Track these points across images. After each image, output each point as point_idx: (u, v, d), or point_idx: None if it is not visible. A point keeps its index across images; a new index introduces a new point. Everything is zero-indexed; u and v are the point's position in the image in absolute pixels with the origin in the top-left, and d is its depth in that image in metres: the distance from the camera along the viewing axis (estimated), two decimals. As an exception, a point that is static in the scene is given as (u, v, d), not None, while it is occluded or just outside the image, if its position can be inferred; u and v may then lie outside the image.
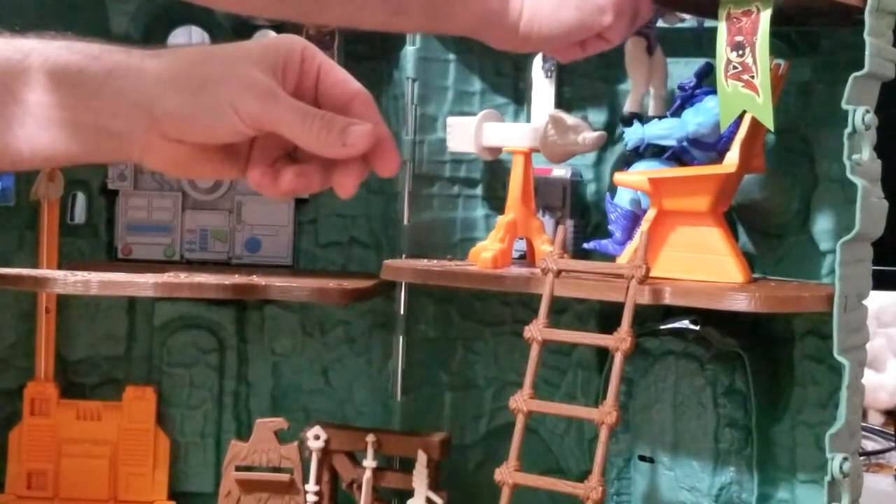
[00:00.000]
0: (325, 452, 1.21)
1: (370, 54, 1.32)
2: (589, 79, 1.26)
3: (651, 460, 1.19)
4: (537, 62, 1.27)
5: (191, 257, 1.35)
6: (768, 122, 1.00)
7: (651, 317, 1.18)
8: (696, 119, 1.09)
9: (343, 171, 0.78)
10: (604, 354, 1.14)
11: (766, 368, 1.16)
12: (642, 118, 1.15)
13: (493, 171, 1.29)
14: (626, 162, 1.16)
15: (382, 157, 0.79)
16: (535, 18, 1.02)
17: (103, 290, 1.17)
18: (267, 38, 0.80)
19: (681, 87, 1.12)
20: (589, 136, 1.14)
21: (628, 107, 1.17)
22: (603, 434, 0.99)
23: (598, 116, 1.25)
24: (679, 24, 1.18)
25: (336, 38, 1.28)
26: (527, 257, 1.21)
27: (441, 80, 1.27)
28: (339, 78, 0.80)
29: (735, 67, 1.00)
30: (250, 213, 1.35)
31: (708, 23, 1.13)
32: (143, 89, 0.76)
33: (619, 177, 1.13)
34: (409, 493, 1.17)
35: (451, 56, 1.27)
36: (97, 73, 0.76)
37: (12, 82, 0.76)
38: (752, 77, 0.99)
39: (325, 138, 0.76)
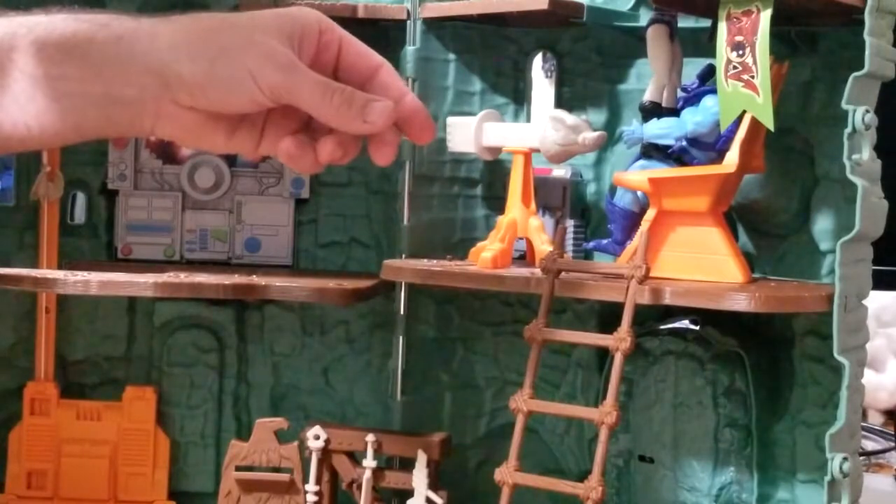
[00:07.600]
0: (325, 452, 1.21)
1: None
2: (589, 79, 1.26)
3: (651, 460, 1.19)
4: (537, 62, 1.27)
5: (191, 257, 1.35)
6: (768, 122, 1.00)
7: (651, 317, 1.18)
8: (694, 118, 1.09)
9: (377, 141, 0.77)
10: (604, 354, 1.14)
11: (766, 368, 1.16)
12: (662, 108, 1.13)
13: (493, 171, 1.29)
14: (639, 156, 1.15)
15: (414, 126, 0.78)
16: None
17: (103, 290, 1.17)
18: (284, 8, 0.79)
19: (683, 89, 1.12)
20: (589, 136, 1.14)
21: (648, 96, 1.13)
22: (603, 434, 0.99)
23: (598, 116, 1.24)
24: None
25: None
26: (527, 257, 1.21)
27: (441, 80, 1.27)
28: (361, 51, 0.78)
29: (735, 67, 1.00)
30: (250, 213, 1.35)
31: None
32: (155, 55, 0.74)
33: (619, 177, 1.13)
34: (409, 493, 1.17)
35: (451, 56, 1.27)
36: (106, 41, 0.74)
37: (19, 57, 0.74)
38: (752, 77, 1.00)
39: (345, 113, 0.74)
